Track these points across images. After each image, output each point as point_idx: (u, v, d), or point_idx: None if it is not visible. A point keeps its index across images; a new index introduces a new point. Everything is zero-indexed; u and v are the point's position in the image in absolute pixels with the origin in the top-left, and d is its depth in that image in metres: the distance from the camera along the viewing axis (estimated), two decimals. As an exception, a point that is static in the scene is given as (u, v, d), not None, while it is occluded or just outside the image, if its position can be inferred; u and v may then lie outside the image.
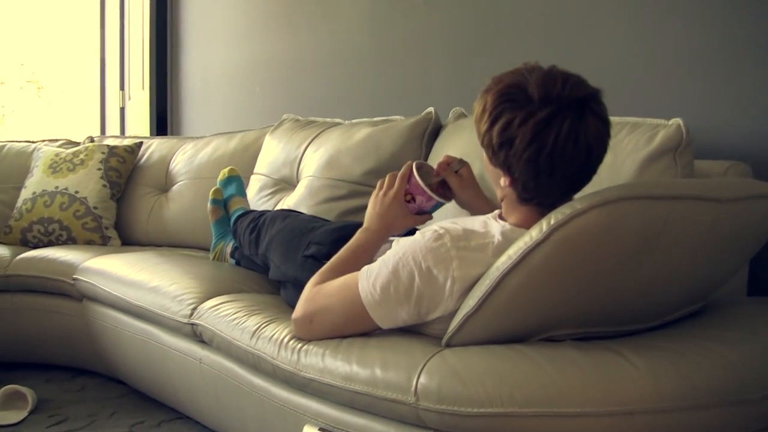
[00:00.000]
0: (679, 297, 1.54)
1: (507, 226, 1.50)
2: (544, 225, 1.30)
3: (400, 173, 1.75)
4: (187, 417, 2.44)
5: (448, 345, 1.46)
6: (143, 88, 5.36)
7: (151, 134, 5.15)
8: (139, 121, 5.52)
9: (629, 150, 1.90)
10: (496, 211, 1.61)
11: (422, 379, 1.38)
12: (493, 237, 1.47)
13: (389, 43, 3.43)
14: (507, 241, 1.43)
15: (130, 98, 5.70)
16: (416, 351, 1.45)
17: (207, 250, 2.99)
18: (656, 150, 1.85)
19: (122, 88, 5.82)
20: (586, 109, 1.38)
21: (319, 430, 1.58)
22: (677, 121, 1.89)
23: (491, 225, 1.51)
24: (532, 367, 1.31)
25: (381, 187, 1.76)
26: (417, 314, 1.50)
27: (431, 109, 2.60)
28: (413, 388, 1.39)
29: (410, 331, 1.56)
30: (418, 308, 1.49)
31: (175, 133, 5.15)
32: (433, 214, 1.79)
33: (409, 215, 1.74)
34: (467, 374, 1.34)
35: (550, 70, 1.42)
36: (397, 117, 2.73)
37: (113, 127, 6.00)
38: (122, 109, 5.82)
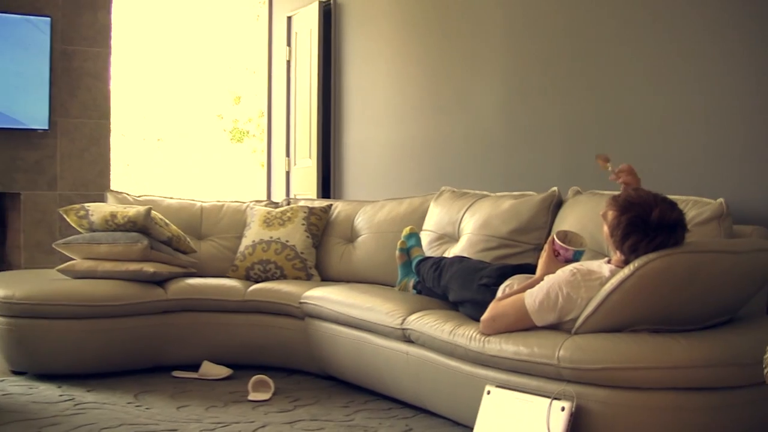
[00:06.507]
0: (712, 310, 2.60)
1: (613, 267, 2.60)
2: (631, 266, 2.43)
3: (547, 241, 2.87)
4: (384, 398, 3.45)
5: (575, 333, 2.56)
6: (309, 157, 6.59)
7: (317, 196, 6.31)
8: (303, 184, 6.73)
9: (689, 218, 2.87)
10: (606, 258, 2.72)
11: (561, 352, 2.49)
12: (604, 275, 2.57)
13: (518, 130, 4.38)
14: (613, 276, 2.53)
15: (295, 164, 6.95)
16: (557, 337, 2.57)
17: (386, 285, 4.06)
18: (706, 218, 2.84)
19: (288, 155, 7.05)
20: (678, 226, 2.49)
21: (496, 387, 2.68)
22: (721, 200, 2.91)
23: (603, 267, 2.62)
24: (622, 343, 2.42)
25: (543, 251, 2.87)
26: (558, 318, 2.62)
27: (555, 188, 3.63)
28: (556, 357, 2.49)
29: (552, 328, 2.67)
30: (560, 314, 2.61)
31: (337, 195, 6.25)
32: (581, 259, 2.82)
33: (560, 264, 2.78)
34: (587, 348, 2.45)
35: (663, 206, 2.49)
36: (531, 192, 3.74)
37: (279, 188, 7.22)
38: (287, 173, 7.06)
